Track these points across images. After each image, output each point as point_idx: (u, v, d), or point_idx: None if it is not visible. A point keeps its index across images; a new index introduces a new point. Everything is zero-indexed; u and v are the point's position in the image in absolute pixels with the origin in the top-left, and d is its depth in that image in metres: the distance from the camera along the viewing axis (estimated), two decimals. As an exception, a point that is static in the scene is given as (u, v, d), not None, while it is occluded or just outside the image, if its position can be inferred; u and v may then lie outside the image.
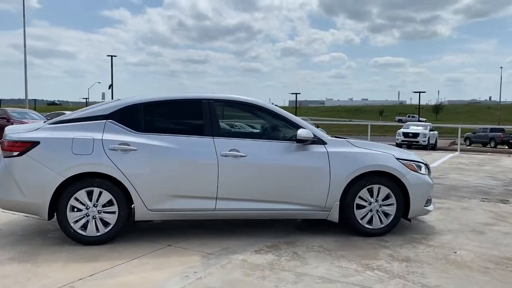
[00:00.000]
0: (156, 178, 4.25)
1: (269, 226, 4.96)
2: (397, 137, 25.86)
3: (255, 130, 4.91)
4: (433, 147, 24.49)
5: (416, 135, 24.97)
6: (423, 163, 4.92)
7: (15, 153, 4.15)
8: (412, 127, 26.65)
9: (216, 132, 4.45)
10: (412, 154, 5.05)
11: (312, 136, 4.50)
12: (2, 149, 4.26)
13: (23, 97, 39.82)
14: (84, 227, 4.21)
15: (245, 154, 4.38)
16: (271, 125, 4.84)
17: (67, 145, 4.16)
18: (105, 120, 4.35)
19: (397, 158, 4.69)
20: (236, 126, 5.11)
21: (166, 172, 4.27)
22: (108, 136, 4.26)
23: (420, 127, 26.25)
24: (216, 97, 4.61)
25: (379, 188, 4.61)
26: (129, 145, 4.24)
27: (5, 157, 4.21)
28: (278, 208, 4.48)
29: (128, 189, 4.21)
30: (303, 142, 4.48)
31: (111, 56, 47.96)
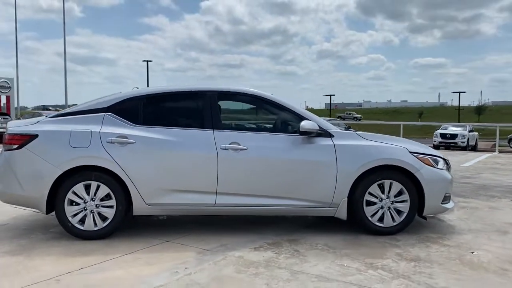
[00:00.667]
0: (154, 171, 4.13)
1: (273, 223, 4.74)
2: (434, 138, 24.89)
3: (257, 123, 4.72)
4: (473, 148, 23.39)
5: (454, 136, 23.97)
6: (440, 157, 4.57)
7: (15, 146, 4.14)
8: (450, 128, 25.60)
9: (216, 124, 4.29)
10: (429, 148, 4.70)
11: (317, 128, 4.26)
12: (3, 143, 4.26)
13: (64, 102, 41.32)
14: (82, 221, 4.15)
15: (245, 147, 4.19)
16: (274, 117, 4.63)
17: (65, 138, 4.12)
18: (104, 113, 4.28)
19: (410, 152, 4.36)
20: (238, 118, 4.92)
21: (164, 166, 4.14)
22: (106, 129, 4.18)
23: (459, 128, 25.19)
24: (216, 88, 4.45)
25: (390, 184, 4.30)
26: (127, 138, 4.15)
27: (5, 150, 4.21)
28: (282, 204, 4.26)
29: (126, 183, 4.12)
30: (307, 134, 4.24)
31: (147, 61, 49.03)
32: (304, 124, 4.20)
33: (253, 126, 4.66)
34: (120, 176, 4.10)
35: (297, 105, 4.54)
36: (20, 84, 38.24)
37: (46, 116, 4.47)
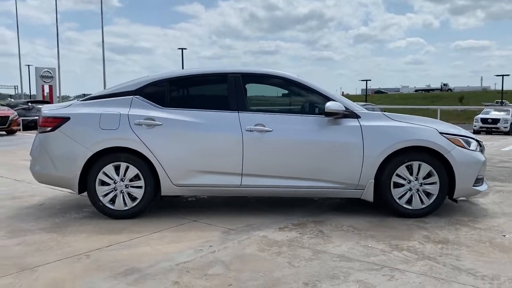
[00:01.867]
0: (181, 153, 4.21)
1: (300, 205, 4.74)
2: (474, 123, 24.06)
3: (283, 105, 4.69)
4: (516, 133, 22.43)
5: (496, 121, 23.11)
6: (473, 138, 4.41)
7: (48, 129, 4.31)
8: (492, 112, 24.61)
9: (242, 106, 4.30)
10: (461, 129, 4.55)
11: (343, 109, 4.20)
12: (38, 125, 4.44)
13: (103, 91, 42.41)
14: (113, 201, 4.28)
15: (271, 129, 4.19)
16: (300, 98, 4.59)
17: (95, 121, 4.24)
18: (132, 96, 4.37)
19: (440, 133, 4.23)
20: (263, 100, 4.91)
21: (190, 147, 4.21)
22: (134, 112, 4.28)
23: (502, 113, 24.19)
24: (241, 70, 4.45)
25: (419, 165, 4.20)
26: (154, 120, 4.23)
27: (40, 132, 4.39)
28: (307, 186, 4.24)
29: (154, 164, 4.21)
30: (333, 115, 4.19)
31: (182, 49, 49.50)
32: (330, 105, 4.14)
33: (279, 108, 4.65)
34: (148, 158, 4.20)
35: (330, 90, 4.47)
36: (62, 74, 39.64)
37: (77, 100, 4.62)
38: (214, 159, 4.22)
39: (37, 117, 16.31)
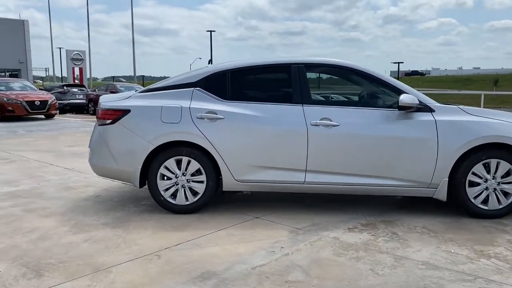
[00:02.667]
0: (243, 148, 4.06)
1: (362, 203, 4.55)
2: (515, 108, 23.13)
3: (350, 97, 4.47)
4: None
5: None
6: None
7: (108, 121, 4.22)
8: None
9: (306, 99, 4.11)
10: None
11: (417, 102, 3.95)
12: (97, 117, 4.37)
13: (133, 73, 42.92)
14: (174, 195, 4.20)
15: (337, 123, 3.99)
16: (368, 91, 4.36)
17: (156, 114, 4.13)
18: (192, 88, 4.24)
19: (522, 128, 3.95)
20: (328, 92, 4.70)
21: (253, 142, 4.05)
22: (195, 104, 4.15)
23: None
24: (306, 61, 4.24)
25: (497, 163, 3.93)
26: (216, 114, 4.09)
27: (99, 125, 4.31)
28: (375, 184, 4.04)
29: (216, 158, 4.09)
30: (406, 109, 3.95)
31: (210, 31, 49.26)
32: (404, 98, 3.90)
33: (345, 100, 4.43)
34: (210, 152, 4.08)
35: (394, 79, 4.22)
36: (91, 56, 40.09)
37: (136, 91, 4.51)
38: (277, 154, 4.06)
39: (72, 101, 16.57)
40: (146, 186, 4.29)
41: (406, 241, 3.48)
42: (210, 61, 50.22)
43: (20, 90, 15.94)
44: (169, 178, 4.17)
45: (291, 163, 4.06)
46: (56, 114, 16.28)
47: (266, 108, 4.10)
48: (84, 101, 20.45)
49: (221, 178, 4.18)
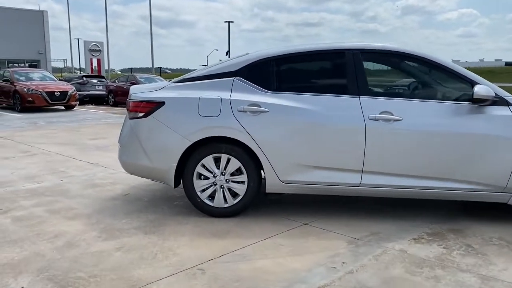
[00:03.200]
0: (290, 145, 3.60)
1: (421, 207, 4.06)
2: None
3: (413, 88, 3.97)
4: None
5: None
6: None
7: (140, 114, 3.81)
8: None
9: (363, 90, 3.62)
10: None
11: (493, 95, 3.44)
12: (127, 110, 3.96)
13: (150, 65, 42.81)
14: (212, 197, 3.78)
15: (400, 118, 3.50)
16: (435, 81, 3.85)
17: (193, 106, 3.70)
18: (233, 78, 3.78)
19: None
20: (388, 82, 4.19)
21: (301, 139, 3.59)
22: (236, 96, 3.70)
23: None
24: (362, 46, 3.75)
25: None
26: (259, 106, 3.64)
27: (130, 118, 3.90)
28: (441, 187, 3.55)
29: (259, 156, 3.64)
30: (481, 102, 3.44)
31: (228, 22, 48.77)
32: (479, 90, 3.39)
33: (408, 92, 3.92)
34: (253, 149, 3.64)
35: (465, 69, 3.71)
36: (109, 48, 40.00)
37: (169, 81, 4.08)
38: (329, 152, 3.60)
39: (92, 92, 16.30)
40: (180, 186, 3.88)
41: (486, 256, 2.99)
42: (228, 53, 49.75)
43: (40, 80, 15.72)
44: (206, 178, 3.75)
45: (345, 162, 3.59)
46: (76, 105, 16.04)
47: (317, 100, 3.63)
48: (104, 92, 20.19)
49: (264, 179, 3.74)
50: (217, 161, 3.73)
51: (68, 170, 5.68)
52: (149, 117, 3.76)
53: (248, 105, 3.65)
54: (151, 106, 3.77)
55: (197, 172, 3.74)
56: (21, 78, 15.42)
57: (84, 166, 5.90)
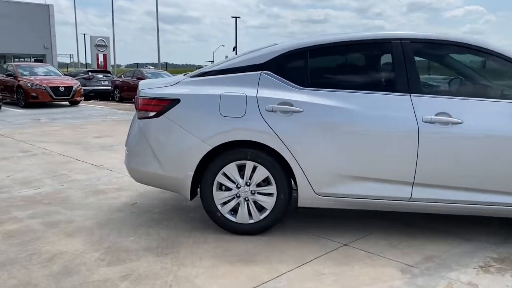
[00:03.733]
0: (328, 151, 3.04)
1: (480, 224, 3.49)
2: None
3: (475, 85, 3.40)
4: None
5: None
6: None
7: (151, 114, 3.26)
8: None
9: (415, 87, 3.05)
10: None
11: None
12: (136, 108, 3.42)
13: (156, 61, 42.31)
14: (234, 211, 3.23)
15: (460, 120, 2.93)
16: (503, 77, 3.27)
17: (213, 104, 3.15)
18: (259, 72, 3.23)
19: None
20: (444, 78, 3.61)
21: (341, 144, 3.03)
22: (264, 93, 3.14)
23: None
24: (412, 35, 3.17)
25: None
26: (292, 105, 3.08)
27: (139, 118, 3.35)
28: (508, 203, 2.98)
29: (291, 164, 3.09)
30: (561, 103, 2.87)
31: (236, 17, 48.13)
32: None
33: (468, 89, 3.35)
34: (284, 156, 3.08)
35: None
36: (115, 43, 39.58)
37: (184, 75, 3.53)
38: (374, 161, 3.03)
39: (97, 87, 15.76)
40: (196, 197, 3.35)
41: None
42: (235, 48, 49.12)
43: (44, 75, 15.23)
44: (228, 189, 3.21)
45: (393, 173, 3.03)
46: (81, 100, 15.55)
47: (360, 99, 3.07)
48: (110, 87, 19.70)
49: (296, 190, 3.19)
50: (241, 169, 3.18)
51: (70, 173, 5.16)
52: (162, 117, 3.22)
53: (278, 104, 3.09)
54: (164, 104, 3.22)
55: (218, 182, 3.19)
56: (25, 73, 14.94)
57: (88, 169, 5.38)
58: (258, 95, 3.13)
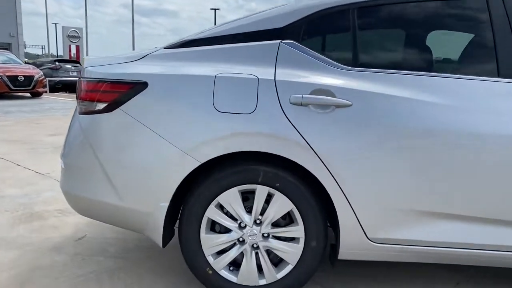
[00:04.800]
0: (397, 172, 1.84)
1: None
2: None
3: None
4: None
5: None
6: None
7: (100, 106, 1.99)
8: None
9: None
10: None
11: None
12: (77, 97, 2.13)
13: (131, 53, 40.60)
14: (235, 265, 2.01)
15: None
16: None
17: (203, 92, 1.90)
18: (278, 41, 1.99)
19: None
20: None
21: (421, 161, 1.83)
22: (286, 75, 1.91)
23: None
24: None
25: None
26: (334, 96, 1.86)
27: (81, 113, 2.07)
28: None
29: (330, 192, 1.87)
30: None
31: (215, 9, 46.69)
32: None
33: None
34: (319, 179, 1.86)
35: None
36: (88, 35, 37.73)
37: (156, 47, 2.26)
38: (478, 189, 1.83)
39: (65, 78, 14.16)
40: (174, 240, 2.11)
41: None
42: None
43: (2, 63, 13.58)
44: (225, 230, 1.98)
45: (505, 208, 1.85)
46: (44, 92, 13.98)
47: (447, 87, 1.87)
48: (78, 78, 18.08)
49: (336, 235, 1.99)
50: (247, 199, 1.96)
51: (2, 185, 3.82)
52: (117, 111, 1.95)
53: (311, 93, 1.86)
54: (121, 91, 1.95)
55: (208, 218, 1.96)
56: (-22, 60, 13.30)
57: (28, 179, 4.05)
58: (276, 78, 1.90)
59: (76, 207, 2.15)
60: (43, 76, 13.72)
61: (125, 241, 2.69)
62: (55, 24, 53.71)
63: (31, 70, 13.43)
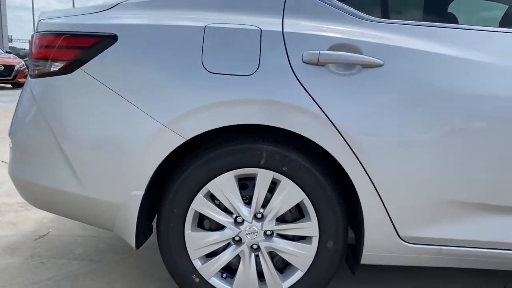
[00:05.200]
0: (439, 152, 1.41)
1: None
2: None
3: None
4: None
5: None
6: None
7: (57, 66, 1.54)
8: None
9: None
10: None
11: None
12: (30, 57, 1.68)
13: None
14: (229, 271, 1.58)
15: None
16: None
17: (189, 48, 1.45)
18: (286, -15, 1.56)
19: None
20: None
21: (472, 138, 1.41)
22: (298, 25, 1.48)
23: None
24: None
25: None
26: (360, 51, 1.43)
27: (34, 76, 1.61)
28: None
29: (353, 178, 1.44)
30: None
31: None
32: None
33: None
34: (340, 162, 1.44)
35: None
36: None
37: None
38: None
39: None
40: (151, 241, 1.68)
41: None
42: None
43: (-19, 52, 12.98)
44: (218, 227, 1.55)
45: None
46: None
47: (506, 48, 1.45)
48: (64, 70, 17.48)
49: (359, 234, 1.57)
50: (245, 186, 1.53)
51: (-40, 175, 3.35)
52: (78, 71, 1.50)
53: (330, 48, 1.43)
54: (84, 45, 1.50)
55: (195, 211, 1.52)
56: (-44, 49, 12.65)
57: (-8, 169, 3.58)
58: (285, 30, 1.46)
59: (29, 197, 1.70)
60: (25, 66, 13.10)
61: (98, 239, 2.25)
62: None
63: (12, 60, 12.83)
